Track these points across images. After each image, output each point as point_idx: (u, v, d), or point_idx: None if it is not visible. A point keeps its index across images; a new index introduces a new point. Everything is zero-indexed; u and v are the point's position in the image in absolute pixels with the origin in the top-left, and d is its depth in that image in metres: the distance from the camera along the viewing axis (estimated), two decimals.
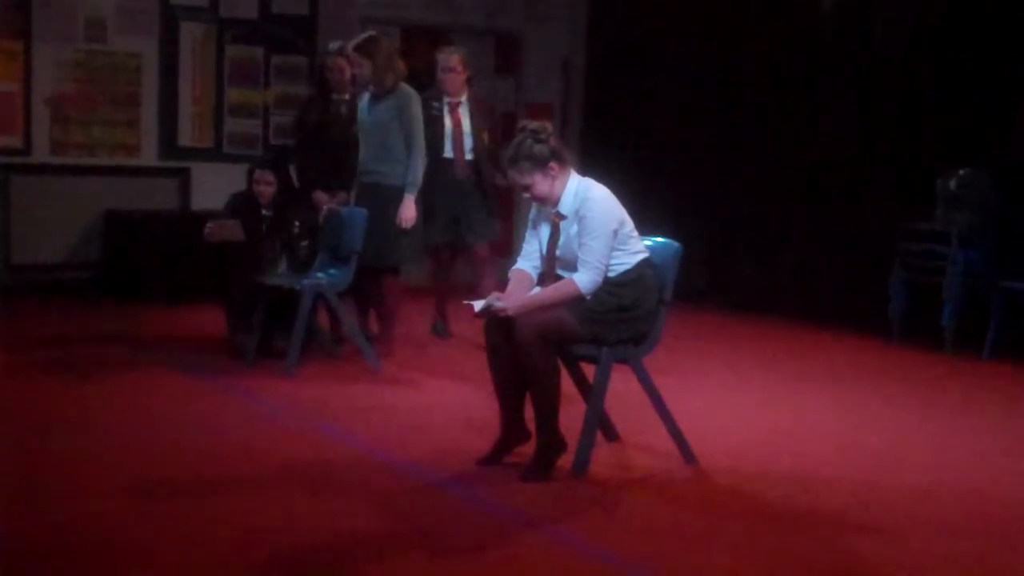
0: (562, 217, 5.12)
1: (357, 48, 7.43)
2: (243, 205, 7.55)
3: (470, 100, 8.14)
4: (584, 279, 5.01)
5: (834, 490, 5.06)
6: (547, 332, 4.94)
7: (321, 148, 7.84)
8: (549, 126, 5.17)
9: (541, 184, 5.09)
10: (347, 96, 7.86)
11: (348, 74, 7.80)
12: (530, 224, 5.32)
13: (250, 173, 7.59)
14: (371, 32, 7.70)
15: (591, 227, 5.02)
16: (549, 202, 5.14)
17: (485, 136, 8.07)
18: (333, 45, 8.08)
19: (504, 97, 11.97)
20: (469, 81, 8.16)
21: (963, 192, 8.51)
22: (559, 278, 5.14)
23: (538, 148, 5.07)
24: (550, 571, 4.02)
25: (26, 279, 9.81)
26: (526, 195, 5.19)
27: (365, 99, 7.56)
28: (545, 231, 5.21)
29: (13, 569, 3.86)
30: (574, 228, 5.07)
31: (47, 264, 9.98)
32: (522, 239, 5.39)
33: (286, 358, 6.99)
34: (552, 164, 5.07)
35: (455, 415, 6.20)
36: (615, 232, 5.05)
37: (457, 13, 11.56)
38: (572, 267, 5.09)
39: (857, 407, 6.73)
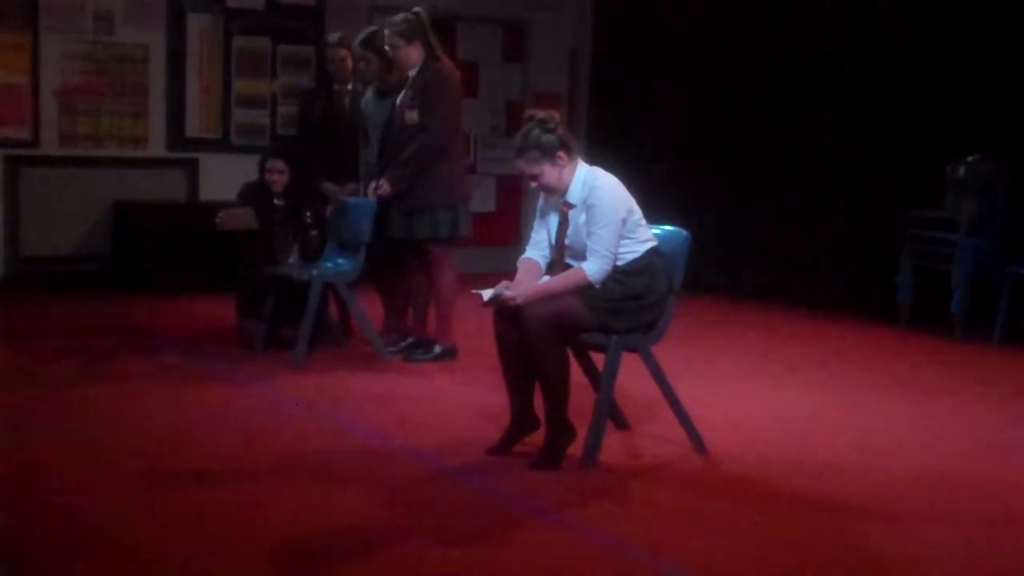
0: (571, 206, 5.12)
1: (363, 43, 7.40)
2: (255, 194, 7.56)
3: (420, 73, 7.07)
4: (593, 267, 5.01)
5: (844, 477, 5.06)
6: (555, 321, 4.94)
7: (328, 139, 7.82)
8: (557, 115, 5.16)
9: (549, 174, 5.09)
10: (348, 87, 7.83)
11: (349, 64, 7.76)
12: (538, 214, 5.32)
13: (262, 162, 7.60)
14: (374, 27, 7.61)
15: (600, 215, 5.02)
16: (557, 192, 5.14)
17: (411, 115, 7.01)
18: (333, 36, 8.03)
19: (511, 86, 11.99)
20: (430, 50, 7.06)
21: (971, 179, 8.49)
22: (569, 267, 5.14)
23: (546, 138, 5.06)
24: (560, 559, 4.03)
25: (35, 271, 9.84)
26: (534, 185, 5.19)
27: (370, 93, 7.53)
28: (553, 220, 5.21)
29: (18, 558, 3.88)
30: (583, 217, 5.07)
31: (56, 256, 10.00)
32: (530, 229, 5.39)
33: (295, 348, 7.00)
34: (560, 153, 5.07)
35: (465, 404, 6.21)
36: (624, 220, 5.05)
37: (465, 1, 11.55)
38: (582, 256, 5.09)
39: (866, 394, 6.73)
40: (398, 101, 7.15)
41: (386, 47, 7.12)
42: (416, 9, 7.11)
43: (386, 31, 7.11)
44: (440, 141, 7.03)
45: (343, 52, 7.75)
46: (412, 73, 7.08)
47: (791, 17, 10.15)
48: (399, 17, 7.08)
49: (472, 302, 5.23)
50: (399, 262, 7.41)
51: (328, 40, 8.04)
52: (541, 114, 5.14)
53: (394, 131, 7.15)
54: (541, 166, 5.07)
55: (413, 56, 7.05)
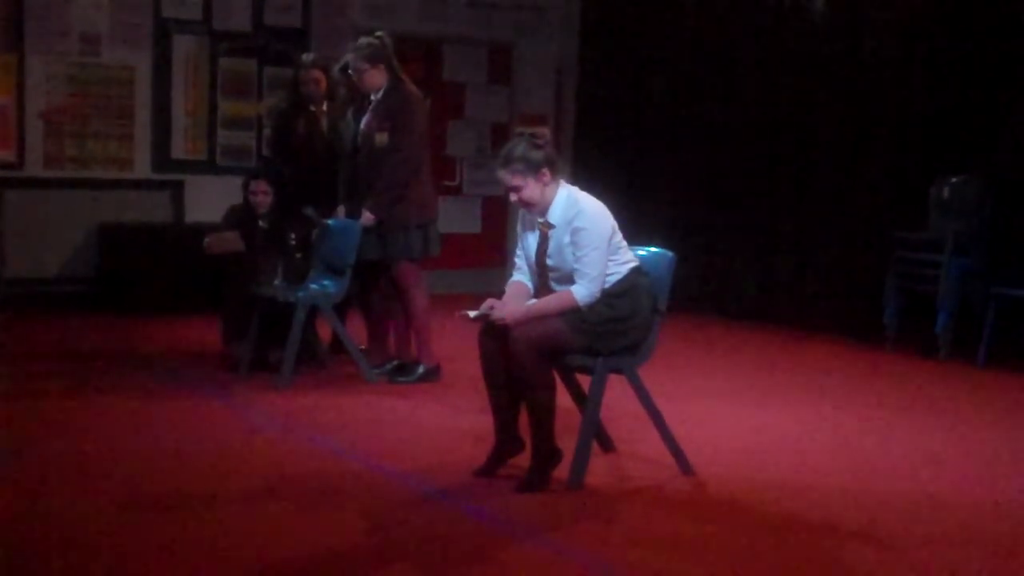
0: (551, 226, 5.11)
1: (342, 70, 7.35)
2: (240, 217, 7.56)
3: (385, 96, 7.16)
4: (583, 291, 5.00)
5: (830, 499, 5.05)
6: (541, 343, 4.94)
7: (309, 161, 7.79)
8: (547, 133, 5.20)
9: (532, 189, 5.08)
10: (324, 108, 7.82)
11: (323, 86, 7.75)
12: (519, 238, 5.31)
13: (246, 184, 7.60)
14: (347, 57, 7.54)
15: (588, 238, 5.01)
16: (536, 208, 5.13)
17: (380, 138, 7.07)
18: (307, 57, 8.02)
19: (497, 108, 12.01)
20: (393, 73, 7.14)
21: (956, 199, 8.53)
22: (552, 291, 5.13)
23: (533, 153, 5.07)
24: None
25: (20, 293, 9.80)
26: (513, 197, 5.17)
27: (349, 116, 7.50)
28: (532, 239, 5.21)
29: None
30: (566, 238, 5.05)
31: (41, 278, 9.97)
32: (514, 252, 5.39)
33: (280, 370, 6.98)
34: (545, 170, 5.07)
35: (449, 426, 6.19)
36: (609, 241, 5.05)
37: (449, 23, 11.57)
38: (565, 278, 5.08)
39: (852, 415, 6.73)
40: (363, 124, 7.21)
41: (350, 71, 7.18)
42: (379, 33, 7.20)
43: (350, 55, 7.18)
44: (412, 162, 7.09)
45: (317, 74, 7.75)
46: (376, 96, 7.14)
47: (778, 39, 10.18)
48: (363, 41, 7.18)
49: (456, 322, 5.22)
50: (375, 284, 7.44)
51: (302, 61, 8.01)
52: (531, 130, 5.18)
53: (363, 154, 7.20)
54: (525, 180, 5.07)
55: (377, 79, 7.11)
